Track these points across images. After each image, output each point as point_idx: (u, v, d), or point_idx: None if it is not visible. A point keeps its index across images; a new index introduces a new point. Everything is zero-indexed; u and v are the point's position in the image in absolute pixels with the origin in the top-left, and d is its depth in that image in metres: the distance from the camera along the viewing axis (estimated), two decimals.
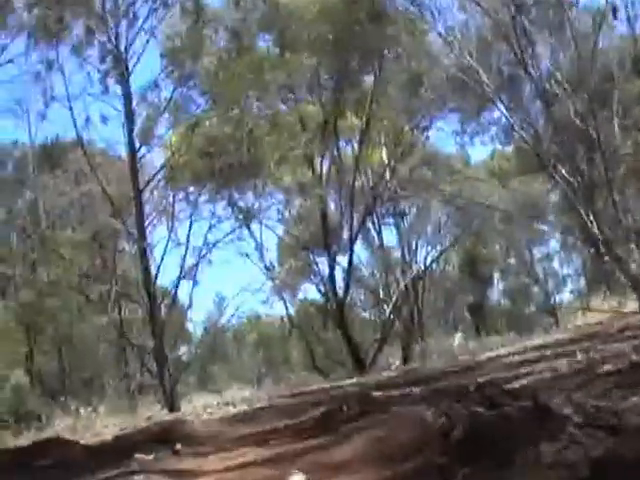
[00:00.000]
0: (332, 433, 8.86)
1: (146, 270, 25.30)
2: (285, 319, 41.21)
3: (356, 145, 35.52)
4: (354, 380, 23.59)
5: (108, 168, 30.30)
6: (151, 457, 9.78)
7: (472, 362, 19.81)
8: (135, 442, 12.35)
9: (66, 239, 29.62)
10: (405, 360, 35.47)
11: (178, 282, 26.67)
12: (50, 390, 34.48)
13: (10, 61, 25.35)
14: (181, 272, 26.65)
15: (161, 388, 25.76)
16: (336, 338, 38.35)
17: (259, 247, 33.64)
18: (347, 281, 34.10)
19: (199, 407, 23.65)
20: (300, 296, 39.96)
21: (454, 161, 43.58)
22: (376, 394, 13.37)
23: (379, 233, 39.86)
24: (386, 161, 36.40)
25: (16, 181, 36.33)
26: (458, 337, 40.94)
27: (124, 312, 31.83)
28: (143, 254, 25.22)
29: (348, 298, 35.17)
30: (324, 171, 33.39)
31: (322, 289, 36.34)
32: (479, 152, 60.74)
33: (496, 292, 52.10)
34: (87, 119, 25.88)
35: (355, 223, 34.20)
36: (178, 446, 10.82)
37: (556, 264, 50.64)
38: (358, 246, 38.21)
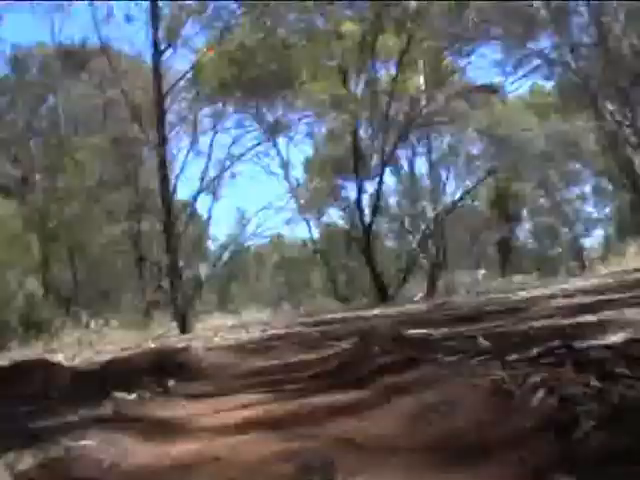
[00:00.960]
0: (361, 385, 6.67)
1: (164, 179, 23.00)
2: (308, 242, 38.96)
3: (393, 67, 32.95)
4: (378, 311, 21.36)
5: (133, 73, 27.95)
6: (132, 397, 7.57)
7: (511, 301, 17.42)
8: (126, 371, 10.28)
9: (85, 144, 27.26)
10: (429, 293, 33.23)
11: (198, 195, 24.39)
12: (63, 300, 32.53)
13: None
14: (201, 184, 24.38)
15: (173, 306, 23.62)
16: (359, 266, 36.46)
17: (285, 164, 31.23)
18: (375, 207, 31.82)
19: (212, 329, 21.65)
20: (324, 220, 37.45)
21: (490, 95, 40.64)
22: (414, 333, 11.10)
23: (410, 161, 37.18)
24: (423, 87, 33.68)
25: (39, 84, 33.94)
26: (481, 274, 39.05)
27: (141, 224, 29.67)
28: (162, 162, 22.84)
29: (374, 226, 32.76)
30: (358, 90, 30.73)
31: (348, 214, 34.13)
32: (518, 86, 57.33)
33: (524, 231, 49.51)
34: (109, 15, 23.36)
35: (387, 148, 31.66)
36: (170, 382, 8.65)
37: (589, 208, 47.88)
38: (386, 173, 35.77)
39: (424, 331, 11.66)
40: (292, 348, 12.17)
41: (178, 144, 26.92)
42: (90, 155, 26.25)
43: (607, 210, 48.12)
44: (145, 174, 28.25)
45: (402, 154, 37.23)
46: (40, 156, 30.85)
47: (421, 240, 33.55)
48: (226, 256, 30.13)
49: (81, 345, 23.05)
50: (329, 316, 21.52)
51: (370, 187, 32.62)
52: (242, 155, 26.29)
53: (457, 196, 39.69)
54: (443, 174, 40.05)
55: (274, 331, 16.79)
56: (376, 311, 21.44)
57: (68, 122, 31.63)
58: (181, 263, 24.41)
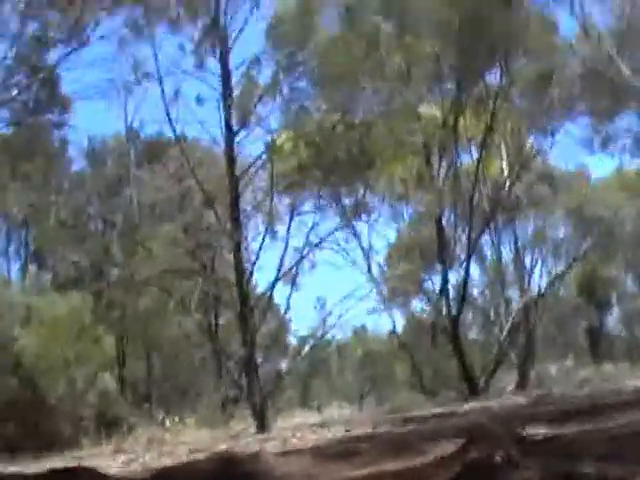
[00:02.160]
0: None
1: (239, 266, 21.03)
2: (391, 334, 36.57)
3: (475, 150, 30.92)
4: (472, 405, 18.92)
5: (207, 160, 26.33)
6: None
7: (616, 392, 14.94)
8: None
9: (158, 234, 25.53)
10: (520, 385, 30.56)
11: (275, 284, 22.24)
12: (138, 397, 30.61)
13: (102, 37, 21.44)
14: (279, 273, 22.28)
15: (250, 403, 21.42)
16: (444, 358, 33.93)
17: (366, 251, 29.08)
18: (462, 296, 29.43)
19: (291, 427, 19.42)
20: (408, 310, 35.03)
21: (574, 177, 38.24)
22: (533, 433, 8.78)
23: (496, 248, 34.68)
24: (506, 172, 31.45)
25: (114, 177, 32.66)
26: (569, 363, 36.35)
27: (218, 318, 27.75)
28: (237, 248, 20.89)
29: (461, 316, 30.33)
30: (440, 174, 28.68)
31: (432, 304, 31.90)
32: (602, 167, 54.31)
33: (614, 317, 46.26)
34: (177, 93, 21.78)
35: (473, 234, 29.41)
36: None
37: None
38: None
39: (542, 430, 9.35)
40: (382, 451, 9.93)
41: (254, 231, 25.06)
42: (163, 244, 24.37)
43: None
44: (222, 265, 26.29)
45: (485, 241, 34.55)
46: (115, 248, 29.25)
47: (510, 330, 30.83)
48: (307, 349, 27.79)
49: (152, 444, 21.17)
50: (418, 412, 19.13)
51: (453, 276, 30.20)
52: (321, 241, 24.15)
53: (545, 283, 37.03)
54: (529, 260, 37.44)
55: (359, 431, 14.50)
56: (469, 405, 19.01)
57: (143, 213, 30.13)
58: (259, 357, 22.33)
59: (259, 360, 22.02)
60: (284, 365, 27.30)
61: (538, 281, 36.56)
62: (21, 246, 34.13)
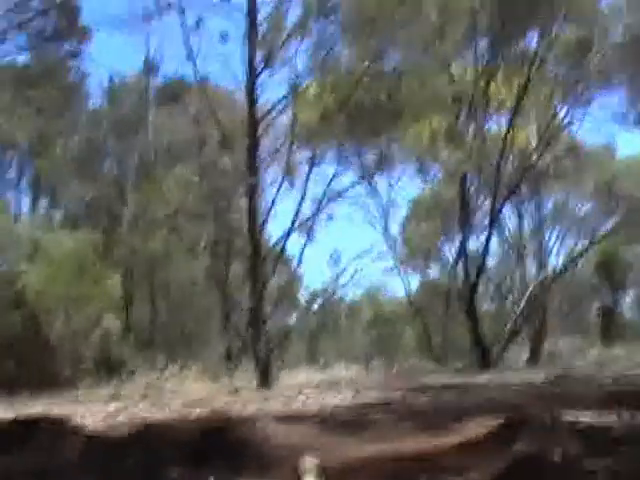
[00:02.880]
0: None
1: (252, 213, 19.42)
2: (404, 297, 35.03)
3: (505, 117, 29.23)
4: (488, 378, 17.39)
5: (228, 103, 24.67)
6: None
7: None
8: (157, 445, 6.81)
9: (173, 176, 23.93)
10: (532, 359, 29.06)
11: (289, 234, 20.59)
12: (142, 341, 29.16)
13: None
14: (294, 223, 20.66)
15: (254, 356, 19.93)
16: (455, 326, 32.49)
17: (386, 208, 27.44)
18: (482, 262, 27.81)
19: (296, 385, 17.96)
20: (424, 274, 33.37)
21: (603, 153, 36.20)
22: (583, 421, 7.29)
23: (519, 218, 32.96)
24: (534, 142, 29.71)
25: (133, 117, 30.97)
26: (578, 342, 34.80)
27: (230, 266, 26.18)
28: (251, 193, 19.23)
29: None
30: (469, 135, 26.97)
31: (449, 270, 30.37)
32: (632, 145, 51.35)
33: (629, 299, 44.33)
34: (199, 26, 20.08)
35: (497, 202, 27.80)
36: None
37: None
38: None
39: (584, 419, 7.83)
40: (399, 425, 8.44)
41: (271, 178, 23.39)
42: (177, 186, 22.77)
43: None
44: (236, 212, 24.65)
45: (506, 212, 32.77)
46: (128, 188, 27.72)
47: (526, 304, 29.18)
48: (317, 305, 26.20)
49: (149, 392, 19.80)
50: (432, 380, 17.61)
51: (471, 244, 28.67)
52: (340, 194, 22.47)
53: (563, 260, 35.33)
54: (549, 235, 35.72)
55: (370, 395, 12.99)
56: (485, 377, 17.48)
57: (159, 154, 28.59)
58: (267, 309, 20.76)
59: (267, 313, 20.40)
60: (293, 320, 25.76)
61: (556, 257, 34.90)
62: (32, 180, 32.52)
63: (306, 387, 16.67)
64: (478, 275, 27.98)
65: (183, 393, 17.96)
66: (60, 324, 27.65)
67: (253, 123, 19.76)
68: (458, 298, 30.10)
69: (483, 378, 17.18)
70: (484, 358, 26.28)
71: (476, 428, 7.55)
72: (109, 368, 25.06)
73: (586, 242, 34.55)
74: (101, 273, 27.86)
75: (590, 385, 12.66)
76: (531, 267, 33.79)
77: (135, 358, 25.56)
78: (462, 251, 28.22)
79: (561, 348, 32.69)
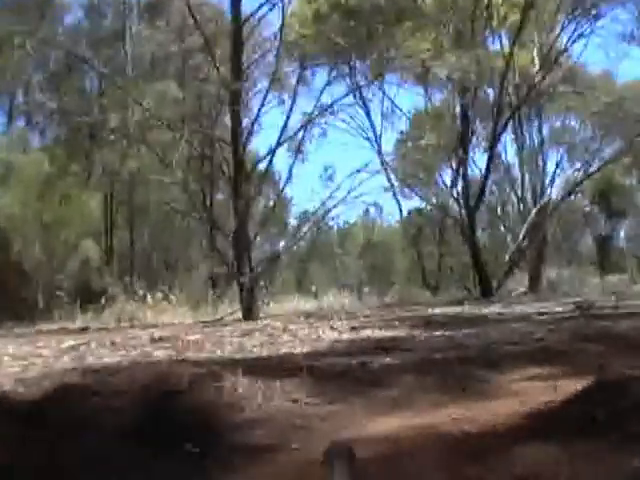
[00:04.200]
0: None
1: (235, 123, 16.53)
2: (398, 224, 32.48)
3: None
4: (500, 309, 14.82)
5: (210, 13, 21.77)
6: None
7: None
8: (81, 412, 4.18)
9: (151, 89, 20.93)
10: (532, 289, 26.63)
11: (276, 148, 17.67)
12: (123, 269, 26.56)
13: None
14: (280, 138, 17.73)
15: (238, 284, 17.27)
16: (453, 254, 30.11)
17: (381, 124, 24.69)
18: (483, 187, 25.19)
19: (284, 317, 15.42)
20: (419, 199, 30.61)
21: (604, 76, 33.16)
22: None
23: (521, 142, 30.16)
24: (537, 64, 27.06)
25: (115, 32, 27.92)
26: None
27: (211, 185, 23.43)
28: (235, 99, 16.28)
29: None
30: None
31: (445, 194, 27.78)
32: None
33: (626, 228, 41.84)
34: None
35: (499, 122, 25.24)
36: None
37: None
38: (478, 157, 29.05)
39: None
40: (423, 381, 5.81)
41: (258, 89, 20.44)
42: (157, 99, 19.79)
43: None
44: (221, 128, 21.77)
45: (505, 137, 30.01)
46: (106, 102, 24.74)
47: (526, 233, 26.64)
48: (307, 228, 23.38)
49: (124, 323, 17.42)
50: (435, 311, 15.01)
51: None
52: (333, 105, 19.52)
53: (561, 187, 32.67)
54: (548, 161, 32.91)
55: (371, 331, 10.37)
56: (494, 308, 14.88)
57: (139, 68, 25.70)
58: (252, 232, 18.06)
59: (252, 236, 17.67)
60: (281, 244, 23.00)
61: (552, 184, 32.16)
62: (7, 100, 29.55)
63: (296, 318, 14.13)
64: (479, 200, 25.48)
65: (159, 325, 15.51)
66: (35, 250, 25.13)
67: (237, 23, 16.77)
68: (455, 225, 27.62)
69: (493, 309, 14.59)
70: (486, 288, 23.83)
71: (541, 388, 4.95)
72: (88, 297, 22.52)
73: (585, 169, 31.75)
74: (79, 196, 25.19)
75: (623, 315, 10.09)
76: (527, 194, 30.84)
77: (115, 286, 22.83)
78: (462, 173, 25.51)
79: (559, 277, 30.44)
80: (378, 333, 9.86)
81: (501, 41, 27.85)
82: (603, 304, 13.18)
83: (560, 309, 12.86)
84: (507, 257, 26.42)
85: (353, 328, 10.84)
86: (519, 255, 26.47)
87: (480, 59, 22.71)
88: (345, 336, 9.69)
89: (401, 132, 28.93)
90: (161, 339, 10.51)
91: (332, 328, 11.13)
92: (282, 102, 19.27)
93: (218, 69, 17.66)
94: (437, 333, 9.28)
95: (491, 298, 21.66)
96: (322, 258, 37.45)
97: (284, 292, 28.12)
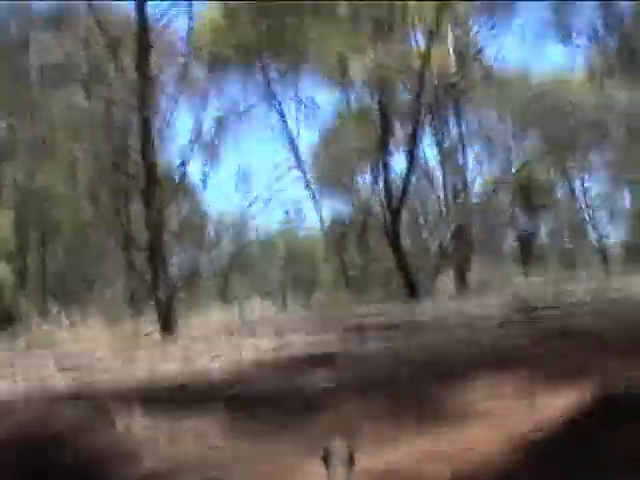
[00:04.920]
0: None
1: (145, 127, 15.15)
2: (319, 228, 31.45)
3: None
4: (433, 311, 13.71)
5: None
6: None
7: None
8: None
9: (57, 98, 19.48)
10: (459, 289, 25.75)
11: (189, 152, 16.35)
12: (36, 289, 24.95)
13: None
14: (192, 144, 16.43)
15: (154, 298, 15.89)
16: (377, 258, 29.25)
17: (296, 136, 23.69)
18: (405, 187, 24.28)
19: (203, 334, 14.08)
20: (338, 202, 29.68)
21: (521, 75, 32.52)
22: None
23: (440, 140, 29.31)
24: (454, 62, 26.38)
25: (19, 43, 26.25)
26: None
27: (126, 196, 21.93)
28: (142, 104, 14.91)
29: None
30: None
31: (365, 196, 26.97)
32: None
33: (548, 225, 41.45)
34: None
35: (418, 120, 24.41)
36: None
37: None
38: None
39: None
40: (374, 406, 4.68)
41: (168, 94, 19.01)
42: (66, 110, 18.34)
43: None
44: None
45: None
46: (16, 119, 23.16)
47: (450, 233, 25.85)
48: (228, 238, 22.09)
49: (32, 348, 15.85)
50: (365, 317, 13.84)
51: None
52: (246, 109, 18.32)
53: (482, 186, 32.04)
54: (468, 160, 32.16)
55: (299, 343, 9.20)
56: (429, 312, 13.76)
57: (47, 80, 24.16)
58: (169, 244, 16.70)
59: (168, 247, 16.31)
60: (200, 255, 21.54)
61: (472, 184, 31.48)
62: None
63: (217, 333, 12.87)
64: (401, 202, 24.52)
65: (70, 349, 14.08)
66: None
67: (143, 23, 15.46)
68: (378, 227, 26.71)
69: (427, 313, 13.50)
70: (412, 290, 22.85)
71: (517, 407, 3.88)
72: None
73: (505, 166, 31.19)
74: None
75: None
76: (448, 194, 30.06)
77: (29, 308, 21.29)
78: (383, 175, 24.60)
79: (485, 277, 29.74)
80: (307, 346, 8.70)
81: (417, 39, 27.05)
82: (542, 301, 12.24)
83: (499, 309, 11.86)
84: (432, 259, 25.60)
85: (279, 341, 9.66)
86: (444, 256, 25.64)
87: (397, 56, 21.91)
88: (271, 352, 8.51)
89: (319, 134, 27.86)
90: (67, 366, 9.24)
91: (256, 342, 9.94)
92: (194, 106, 17.91)
93: (123, 72, 16.29)
94: (374, 343, 8.16)
95: (419, 301, 20.67)
96: (245, 268, 36.13)
97: (207, 305, 26.88)
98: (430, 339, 7.85)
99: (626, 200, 39.50)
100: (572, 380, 3.93)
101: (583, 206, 38.65)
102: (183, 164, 16.52)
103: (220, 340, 11.23)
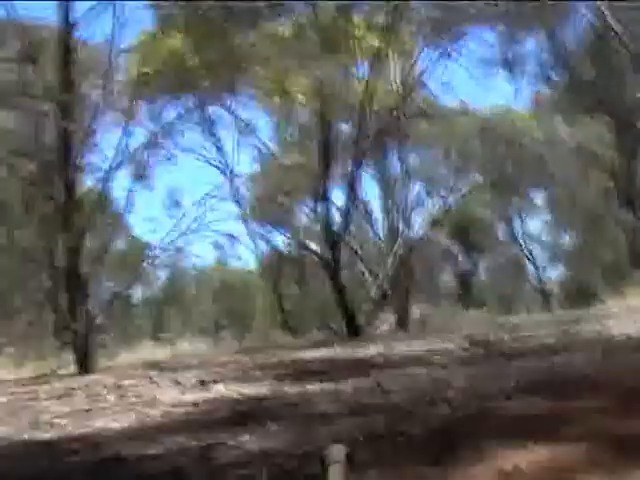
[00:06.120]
0: None
1: (67, 143, 13.45)
2: (254, 264, 29.96)
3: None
4: (379, 350, 12.20)
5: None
6: None
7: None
8: None
9: None
10: (400, 326, 24.57)
11: (112, 172, 14.64)
12: None
13: None
14: (117, 158, 14.71)
15: (71, 333, 14.08)
16: (314, 295, 27.92)
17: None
18: (346, 221, 23.00)
19: (124, 369, 12.44)
20: (273, 239, 28.16)
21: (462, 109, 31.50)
22: None
23: (382, 176, 28.24)
24: (397, 92, 25.27)
25: None
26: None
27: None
28: (65, 115, 13.18)
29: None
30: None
31: (300, 233, 25.76)
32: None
33: (487, 263, 40.44)
34: None
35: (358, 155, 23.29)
36: None
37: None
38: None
39: None
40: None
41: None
42: None
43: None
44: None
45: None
46: None
47: (391, 270, 24.61)
48: (159, 267, 20.40)
49: None
50: (303, 355, 12.25)
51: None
52: (179, 132, 16.79)
53: (421, 223, 30.85)
54: (407, 197, 30.99)
55: (225, 386, 7.59)
56: (373, 349, 12.28)
57: None
58: (91, 272, 14.94)
59: (88, 275, 14.53)
60: (128, 285, 19.54)
61: (414, 220, 30.22)
62: None
63: (135, 372, 11.18)
64: (341, 236, 23.16)
65: None
66: None
67: (66, 32, 13.87)
68: (316, 262, 25.31)
69: (371, 350, 11.99)
70: (353, 327, 21.42)
71: None
72: None
73: (444, 203, 30.03)
74: None
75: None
76: (388, 231, 28.87)
77: None
78: (323, 208, 23.18)
79: (426, 314, 28.73)
80: (235, 389, 7.13)
81: (359, 69, 25.86)
82: (497, 339, 10.83)
83: (451, 347, 10.42)
84: (373, 295, 24.29)
85: (202, 383, 8.06)
86: (385, 292, 24.33)
87: (339, 86, 20.71)
88: (189, 396, 6.91)
89: (256, 162, 26.36)
90: None
91: (176, 383, 8.36)
92: (122, 126, 16.18)
93: (45, 85, 14.60)
94: (314, 387, 6.65)
95: (359, 338, 19.26)
96: (178, 302, 34.24)
97: (138, 339, 25.19)
98: (382, 380, 6.36)
99: (566, 239, 38.89)
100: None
101: (523, 245, 37.96)
102: (107, 185, 14.81)
103: (138, 377, 9.64)
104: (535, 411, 4.23)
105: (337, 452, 3.42)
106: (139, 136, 16.61)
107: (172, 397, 7.02)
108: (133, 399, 7.11)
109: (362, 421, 4.43)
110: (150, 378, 9.39)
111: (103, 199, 15.05)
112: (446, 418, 4.33)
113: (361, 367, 8.17)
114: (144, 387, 8.32)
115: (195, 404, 6.26)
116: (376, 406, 4.88)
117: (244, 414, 5.07)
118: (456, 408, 4.57)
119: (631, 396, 4.33)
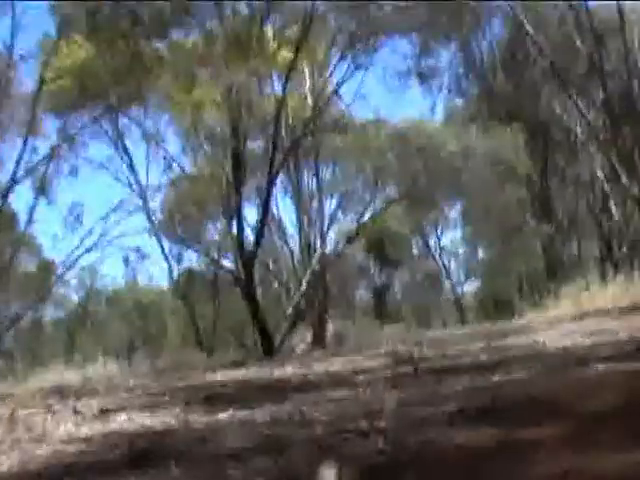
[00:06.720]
0: None
1: None
2: (166, 284, 29.06)
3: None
4: (296, 370, 11.45)
5: None
6: None
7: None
8: None
9: None
10: (317, 343, 23.82)
11: (11, 187, 13.62)
12: None
13: None
14: (17, 172, 13.73)
15: None
16: (228, 314, 27.17)
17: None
18: (258, 237, 22.31)
19: (22, 396, 11.41)
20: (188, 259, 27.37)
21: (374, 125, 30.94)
22: None
23: (296, 191, 27.53)
24: (310, 106, 24.67)
25: None
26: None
27: None
28: None
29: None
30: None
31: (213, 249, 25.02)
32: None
33: (404, 277, 40.18)
34: None
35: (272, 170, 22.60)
36: None
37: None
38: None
39: None
40: None
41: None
42: None
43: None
44: None
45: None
46: None
47: (306, 287, 23.96)
48: (66, 286, 19.27)
49: None
50: (216, 376, 11.43)
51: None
52: (83, 144, 15.87)
53: (335, 239, 30.18)
54: (319, 213, 30.31)
55: (127, 416, 6.75)
56: (289, 369, 11.49)
57: None
58: None
59: None
60: (32, 305, 18.34)
61: (329, 236, 29.58)
62: None
63: (33, 400, 10.19)
64: (254, 253, 22.41)
65: None
66: None
67: None
68: (229, 280, 24.59)
69: (288, 370, 11.23)
70: (268, 346, 20.67)
71: None
72: None
73: (359, 218, 29.49)
74: None
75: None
76: (302, 247, 28.16)
77: None
78: (236, 225, 22.46)
79: (342, 330, 28.04)
80: (137, 419, 6.32)
81: (272, 82, 25.22)
82: (423, 355, 10.20)
83: (374, 364, 9.77)
84: (288, 312, 23.61)
85: (103, 412, 7.21)
86: (300, 310, 23.69)
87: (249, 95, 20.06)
88: (85, 429, 6.07)
89: (167, 178, 25.49)
90: None
91: (75, 413, 7.49)
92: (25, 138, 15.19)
93: None
94: (225, 415, 5.90)
95: (275, 357, 18.51)
96: (90, 323, 32.95)
97: (51, 362, 23.96)
98: (302, 405, 5.63)
99: (481, 253, 38.91)
100: None
101: (438, 258, 37.81)
102: (5, 196, 13.78)
103: (35, 406, 8.71)
104: (484, 442, 3.55)
105: (328, 476, 3.30)
106: (42, 148, 15.67)
107: (65, 430, 6.17)
108: (21, 434, 6.22)
109: (281, 460, 3.69)
110: (49, 407, 8.48)
111: (2, 215, 14.02)
112: (381, 453, 3.63)
113: (278, 390, 7.41)
114: (39, 417, 7.42)
115: (88, 440, 5.43)
116: (297, 440, 4.14)
117: (143, 452, 4.29)
118: (392, 440, 3.87)
119: (596, 421, 3.69)
